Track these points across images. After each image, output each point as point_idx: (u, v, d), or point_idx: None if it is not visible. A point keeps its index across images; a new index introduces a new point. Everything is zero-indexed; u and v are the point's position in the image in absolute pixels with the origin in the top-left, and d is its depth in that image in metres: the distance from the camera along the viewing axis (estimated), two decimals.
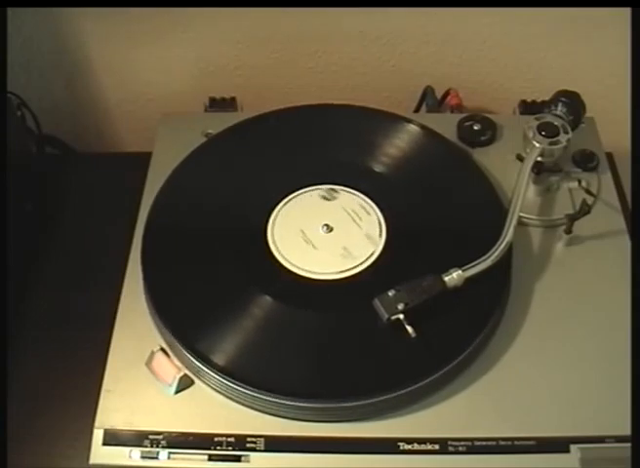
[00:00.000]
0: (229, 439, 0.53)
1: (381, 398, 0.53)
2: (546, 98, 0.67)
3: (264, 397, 0.53)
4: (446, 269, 0.56)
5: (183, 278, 0.60)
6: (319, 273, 0.60)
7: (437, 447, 0.52)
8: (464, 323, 0.56)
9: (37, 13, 0.79)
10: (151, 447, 0.53)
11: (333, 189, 0.64)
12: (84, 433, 0.54)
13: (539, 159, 0.63)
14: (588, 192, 0.65)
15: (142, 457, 0.53)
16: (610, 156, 0.71)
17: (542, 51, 0.82)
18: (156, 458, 0.53)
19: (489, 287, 0.57)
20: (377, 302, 0.55)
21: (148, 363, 0.56)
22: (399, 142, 0.68)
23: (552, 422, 0.53)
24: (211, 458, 0.53)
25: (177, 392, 0.55)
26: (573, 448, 0.52)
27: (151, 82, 0.87)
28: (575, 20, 0.78)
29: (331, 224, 0.63)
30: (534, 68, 0.84)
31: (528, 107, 0.74)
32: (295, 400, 0.53)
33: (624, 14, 0.67)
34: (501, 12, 0.78)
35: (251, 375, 0.54)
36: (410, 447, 0.53)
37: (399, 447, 0.53)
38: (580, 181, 0.66)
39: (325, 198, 0.63)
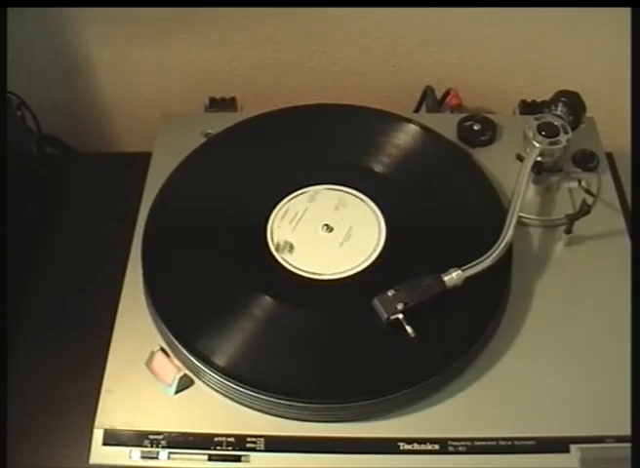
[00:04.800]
0: (229, 439, 0.53)
1: (382, 398, 0.53)
2: (546, 98, 0.67)
3: (264, 397, 0.53)
4: (446, 269, 0.56)
5: (183, 278, 0.60)
6: (319, 273, 0.60)
7: (437, 447, 0.52)
8: (464, 323, 0.57)
9: (37, 13, 0.79)
10: (151, 447, 0.53)
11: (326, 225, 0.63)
12: (84, 433, 0.54)
13: (539, 159, 0.63)
14: (588, 192, 0.65)
15: (142, 457, 0.53)
16: (610, 156, 0.71)
17: (542, 51, 0.82)
18: (156, 458, 0.53)
19: (489, 287, 0.57)
20: (376, 302, 0.55)
21: (148, 363, 0.56)
22: (399, 142, 0.68)
23: (552, 422, 0.53)
24: (211, 458, 0.53)
25: (177, 392, 0.55)
26: (573, 448, 0.52)
27: (151, 82, 0.87)
28: (575, 20, 0.78)
29: (331, 224, 0.63)
30: (534, 68, 0.84)
31: (528, 107, 0.74)
32: (295, 400, 0.53)
33: (624, 14, 0.67)
34: (501, 12, 0.78)
35: (251, 375, 0.54)
36: (410, 447, 0.53)
37: (399, 447, 0.53)
38: (580, 181, 0.66)
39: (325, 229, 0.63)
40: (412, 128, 0.69)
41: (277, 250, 0.61)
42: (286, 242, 0.61)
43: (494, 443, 0.52)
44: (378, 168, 0.67)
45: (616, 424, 0.53)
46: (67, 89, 0.88)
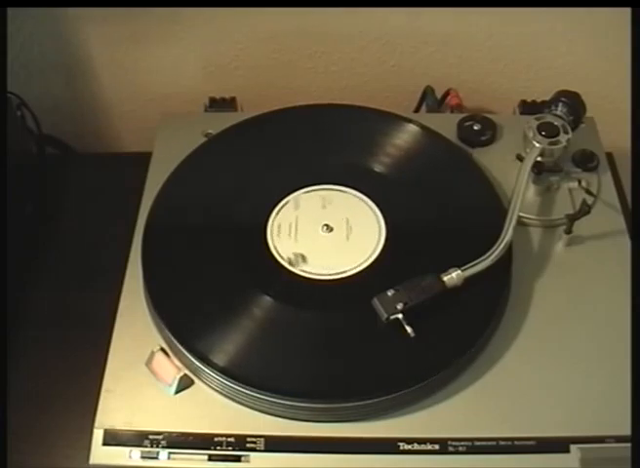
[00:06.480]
0: (229, 439, 0.53)
1: (381, 398, 0.53)
2: (546, 98, 0.67)
3: (264, 397, 0.53)
4: (445, 269, 0.56)
5: (183, 278, 0.60)
6: (319, 273, 0.60)
7: (437, 447, 0.52)
8: (464, 323, 0.57)
9: (37, 13, 0.79)
10: (151, 447, 0.53)
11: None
12: (84, 433, 0.54)
13: (539, 159, 0.63)
14: (588, 192, 0.65)
15: (142, 457, 0.53)
16: (610, 156, 0.71)
17: (542, 51, 0.82)
18: (156, 458, 0.53)
19: (489, 287, 0.57)
20: (376, 302, 0.55)
21: (148, 363, 0.56)
22: (399, 142, 0.68)
23: (552, 422, 0.53)
24: (211, 458, 0.53)
25: (177, 392, 0.55)
26: (573, 448, 0.52)
27: (151, 82, 0.87)
28: (575, 20, 0.78)
29: (331, 224, 0.63)
30: (534, 68, 0.84)
31: (528, 107, 0.74)
32: (295, 400, 0.53)
33: (624, 14, 0.67)
34: (501, 12, 0.78)
35: (251, 375, 0.54)
36: (410, 447, 0.53)
37: (399, 447, 0.53)
38: (580, 181, 0.66)
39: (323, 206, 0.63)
40: (412, 128, 0.69)
41: (290, 264, 0.60)
42: (296, 254, 0.61)
43: (494, 443, 0.52)
44: (378, 168, 0.67)
45: (616, 424, 0.53)
46: (67, 89, 0.88)
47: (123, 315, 0.59)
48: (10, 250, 0.66)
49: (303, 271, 0.60)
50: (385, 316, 0.54)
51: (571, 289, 0.60)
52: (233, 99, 0.77)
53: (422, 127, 0.69)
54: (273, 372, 0.55)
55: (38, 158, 0.82)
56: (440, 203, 0.64)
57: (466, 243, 0.60)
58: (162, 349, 0.57)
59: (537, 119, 0.64)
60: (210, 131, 0.71)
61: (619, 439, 0.52)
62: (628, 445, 0.51)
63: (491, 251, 0.57)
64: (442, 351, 0.55)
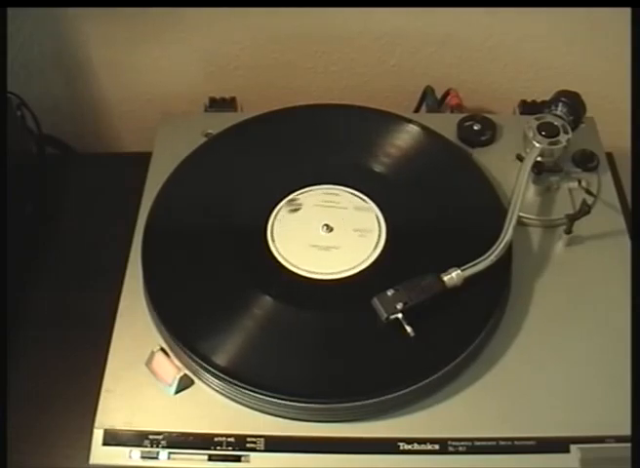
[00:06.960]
0: (229, 439, 0.53)
1: (381, 398, 0.53)
2: (546, 98, 0.67)
3: (264, 397, 0.53)
4: (445, 269, 0.56)
5: (183, 278, 0.60)
6: (319, 273, 0.60)
7: (437, 447, 0.52)
8: (464, 323, 0.56)
9: (37, 13, 0.79)
10: (151, 447, 0.53)
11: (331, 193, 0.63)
12: (84, 433, 0.54)
13: (539, 159, 0.63)
14: (588, 192, 0.65)
15: (142, 457, 0.53)
16: (610, 156, 0.71)
17: (542, 51, 0.82)
18: (156, 458, 0.53)
19: (489, 287, 0.57)
20: (375, 302, 0.55)
21: (148, 363, 0.56)
22: (399, 142, 0.68)
23: (552, 422, 0.53)
24: (211, 458, 0.53)
25: (177, 392, 0.55)
26: (573, 448, 0.52)
27: (151, 82, 0.87)
28: (575, 20, 0.78)
29: (331, 224, 0.63)
30: (534, 68, 0.84)
31: (528, 107, 0.74)
32: (295, 400, 0.53)
33: (624, 14, 0.67)
34: (501, 12, 0.78)
35: (251, 375, 0.54)
36: (410, 447, 0.53)
37: (399, 447, 0.53)
38: (580, 181, 0.66)
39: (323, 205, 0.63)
40: (412, 128, 0.69)
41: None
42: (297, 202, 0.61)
43: (494, 443, 0.52)
44: (378, 168, 0.67)
45: (616, 424, 0.52)
46: (67, 89, 0.88)
47: (123, 315, 0.59)
48: (10, 250, 0.66)
49: (303, 271, 0.60)
50: (385, 316, 0.54)
51: (571, 288, 0.60)
52: (233, 99, 0.77)
53: (422, 127, 0.69)
54: (273, 373, 0.55)
55: (38, 158, 0.82)
56: (440, 203, 0.64)
57: (466, 243, 0.60)
58: (162, 349, 0.57)
59: (537, 119, 0.64)
60: (210, 131, 0.71)
61: (619, 439, 0.52)
62: (628, 445, 0.51)
63: (491, 250, 0.57)
64: (442, 351, 0.55)
